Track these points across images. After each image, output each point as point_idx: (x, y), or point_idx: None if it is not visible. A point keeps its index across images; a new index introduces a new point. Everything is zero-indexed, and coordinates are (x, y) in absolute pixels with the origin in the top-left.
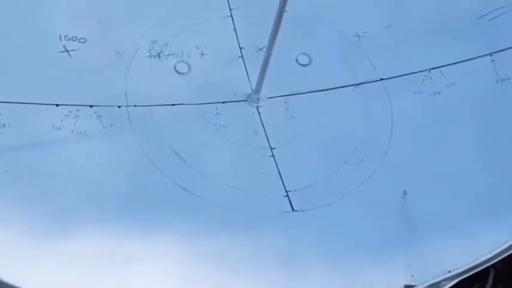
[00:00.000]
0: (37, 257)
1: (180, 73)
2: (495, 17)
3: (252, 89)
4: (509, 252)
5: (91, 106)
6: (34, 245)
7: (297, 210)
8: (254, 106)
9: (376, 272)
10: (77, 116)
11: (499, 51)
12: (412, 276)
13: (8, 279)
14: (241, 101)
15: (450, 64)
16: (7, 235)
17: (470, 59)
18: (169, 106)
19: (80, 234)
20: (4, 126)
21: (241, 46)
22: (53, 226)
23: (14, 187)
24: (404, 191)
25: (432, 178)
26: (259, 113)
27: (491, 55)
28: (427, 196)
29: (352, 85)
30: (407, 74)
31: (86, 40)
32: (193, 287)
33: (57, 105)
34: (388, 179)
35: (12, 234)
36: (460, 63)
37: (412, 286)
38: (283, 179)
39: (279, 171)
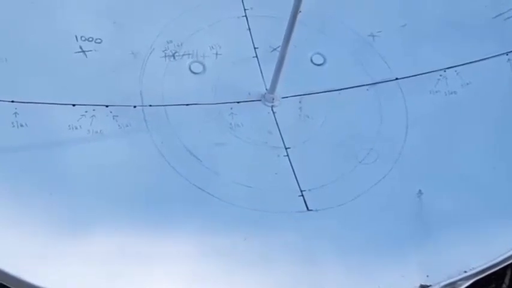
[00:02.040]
0: (51, 255)
1: (194, 73)
2: (511, 16)
3: (266, 89)
4: None
5: (107, 106)
6: (49, 243)
7: (311, 210)
8: (269, 106)
9: (391, 272)
10: (93, 115)
11: None
12: (427, 276)
13: (23, 276)
14: (255, 100)
15: (466, 63)
16: (22, 234)
17: (486, 58)
18: (184, 106)
19: (94, 233)
20: (21, 126)
21: (255, 46)
22: (68, 225)
23: (30, 186)
24: (420, 191)
25: (448, 178)
26: (273, 113)
27: (507, 54)
28: (443, 196)
29: (367, 85)
30: (422, 74)
31: (101, 40)
32: (206, 286)
33: (73, 105)
34: (403, 179)
35: (28, 232)
36: (475, 63)
37: (428, 286)
38: (298, 179)
39: (293, 171)
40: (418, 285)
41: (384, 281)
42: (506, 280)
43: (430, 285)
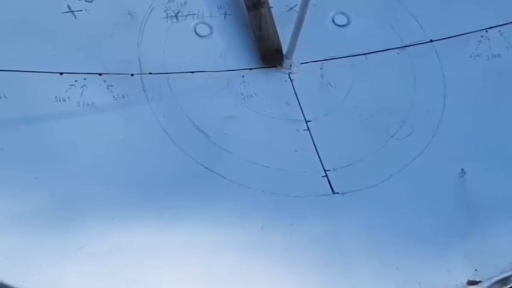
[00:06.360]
0: (37, 251)
1: (200, 36)
2: None
3: (283, 54)
4: None
5: (100, 74)
6: (35, 237)
7: (337, 193)
8: (286, 73)
9: (432, 267)
10: (84, 85)
11: None
12: (476, 270)
13: (3, 279)
14: (270, 67)
15: (510, 23)
16: (2, 226)
17: None
18: (189, 74)
19: (87, 224)
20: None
21: (270, 5)
22: (57, 214)
23: (11, 169)
24: (462, 170)
25: (494, 154)
26: (291, 81)
27: None
28: (489, 175)
29: (398, 48)
30: (460, 35)
31: None
32: (217, 283)
33: (61, 73)
34: (443, 156)
35: (9, 225)
36: None
37: (477, 282)
38: (321, 157)
39: (315, 148)
40: (466, 281)
41: (425, 277)
42: None
43: (480, 281)
